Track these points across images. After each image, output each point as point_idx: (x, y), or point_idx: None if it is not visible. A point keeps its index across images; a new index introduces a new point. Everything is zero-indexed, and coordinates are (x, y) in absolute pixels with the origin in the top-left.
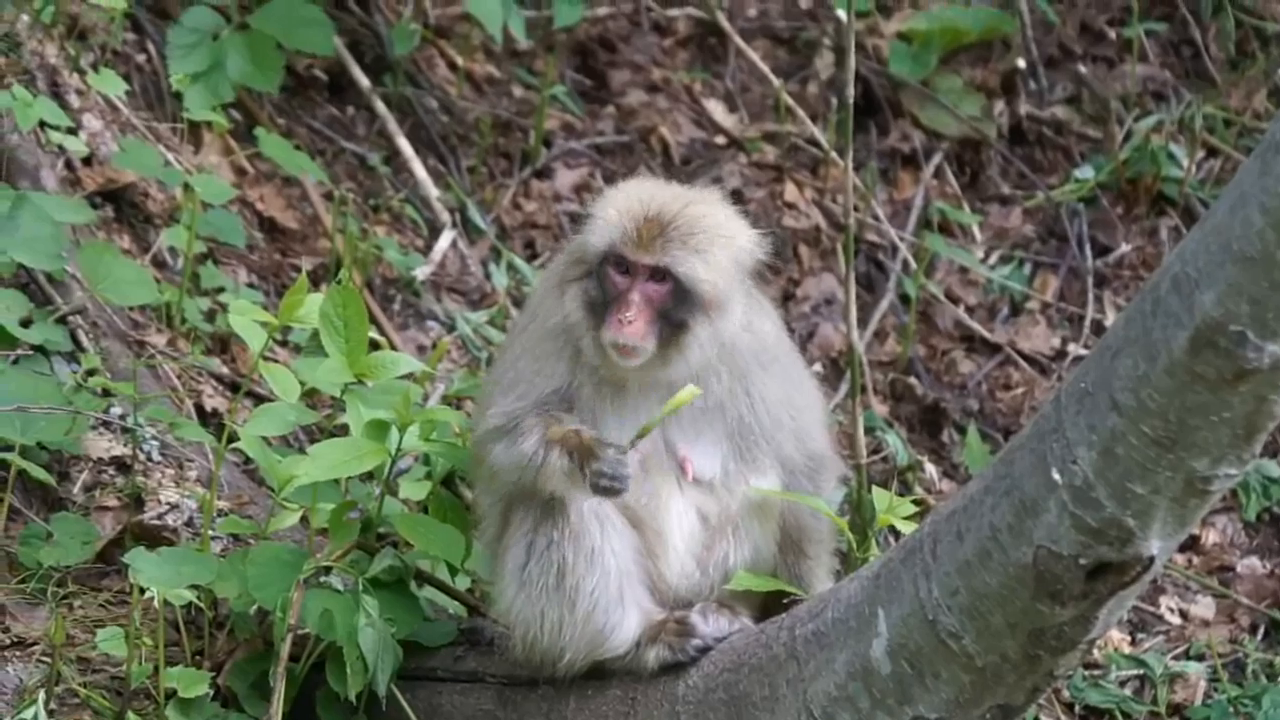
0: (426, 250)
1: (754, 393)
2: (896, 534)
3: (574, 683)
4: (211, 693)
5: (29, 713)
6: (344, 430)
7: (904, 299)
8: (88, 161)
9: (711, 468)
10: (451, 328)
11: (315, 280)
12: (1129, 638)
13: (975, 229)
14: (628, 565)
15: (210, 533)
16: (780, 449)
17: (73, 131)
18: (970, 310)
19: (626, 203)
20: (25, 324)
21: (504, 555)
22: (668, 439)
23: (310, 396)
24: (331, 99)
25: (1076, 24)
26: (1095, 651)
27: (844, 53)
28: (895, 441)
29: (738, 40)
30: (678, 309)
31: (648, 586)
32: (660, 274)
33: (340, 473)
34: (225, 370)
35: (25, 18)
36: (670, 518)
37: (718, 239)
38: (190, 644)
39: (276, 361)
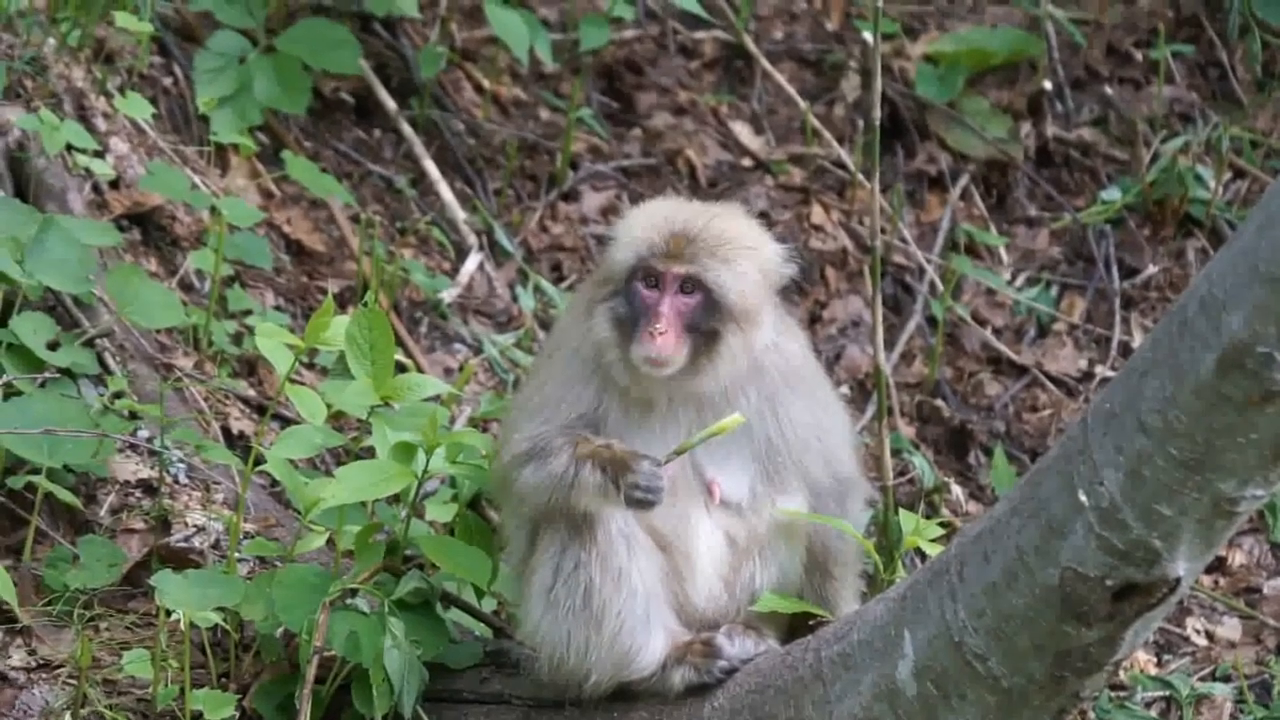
0: (453, 273)
1: (781, 415)
2: (923, 556)
3: (600, 704)
4: (237, 715)
5: None
6: (370, 453)
7: (931, 321)
8: (115, 184)
9: (739, 490)
10: (478, 350)
11: (342, 303)
12: (1155, 659)
13: (1002, 251)
14: (654, 586)
15: (236, 555)
16: (807, 471)
17: (100, 155)
18: (997, 332)
19: (652, 218)
20: (52, 347)
21: (531, 577)
22: (695, 462)
23: (337, 419)
24: (358, 122)
25: (1103, 46)
26: (1121, 673)
27: (870, 75)
28: (922, 463)
29: (764, 63)
30: (708, 319)
31: (674, 608)
32: (690, 284)
33: (367, 495)
34: (252, 393)
35: (52, 41)
36: (698, 540)
37: (744, 250)
38: (216, 666)
39: (303, 384)
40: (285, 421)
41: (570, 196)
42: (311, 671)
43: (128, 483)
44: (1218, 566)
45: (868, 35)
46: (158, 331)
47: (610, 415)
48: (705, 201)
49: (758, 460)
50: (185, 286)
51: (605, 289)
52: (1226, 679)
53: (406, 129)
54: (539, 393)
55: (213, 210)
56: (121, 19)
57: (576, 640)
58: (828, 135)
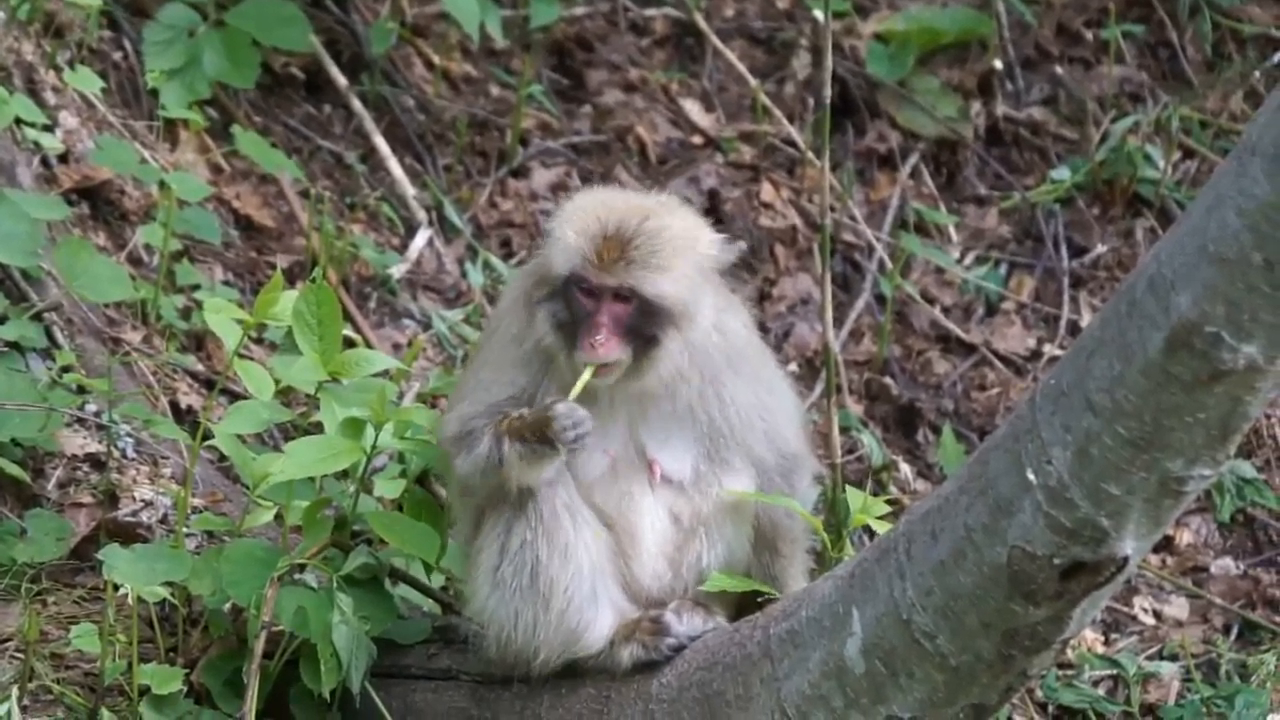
0: (402, 248)
1: (725, 396)
2: (871, 534)
3: (548, 681)
4: (185, 690)
5: (2, 709)
6: (319, 428)
7: (880, 299)
8: (64, 159)
9: (681, 470)
10: (427, 326)
11: (291, 278)
12: (1103, 638)
13: (951, 229)
14: (601, 563)
15: (184, 530)
16: (752, 450)
17: (49, 129)
18: (946, 310)
19: (584, 222)
20: (0, 321)
21: (477, 556)
22: (637, 441)
23: (285, 394)
24: (308, 97)
25: (1053, 25)
26: (1069, 651)
27: (821, 53)
28: (870, 441)
29: (715, 40)
30: (646, 325)
31: (621, 585)
32: (625, 294)
33: (315, 471)
34: (200, 367)
35: (1, 14)
36: (642, 519)
37: (679, 250)
38: (164, 641)
39: (251, 359)
40: (233, 396)
41: (520, 173)
42: (259, 646)
43: (75, 457)
44: (1165, 546)
45: (819, 13)
46: (106, 306)
47: (550, 399)
48: (641, 192)
49: (700, 441)
50: (134, 261)
51: (544, 290)
52: (1174, 658)
53: (356, 104)
54: (474, 376)
55: (162, 185)
56: None
57: (524, 618)
58: (778, 113)
